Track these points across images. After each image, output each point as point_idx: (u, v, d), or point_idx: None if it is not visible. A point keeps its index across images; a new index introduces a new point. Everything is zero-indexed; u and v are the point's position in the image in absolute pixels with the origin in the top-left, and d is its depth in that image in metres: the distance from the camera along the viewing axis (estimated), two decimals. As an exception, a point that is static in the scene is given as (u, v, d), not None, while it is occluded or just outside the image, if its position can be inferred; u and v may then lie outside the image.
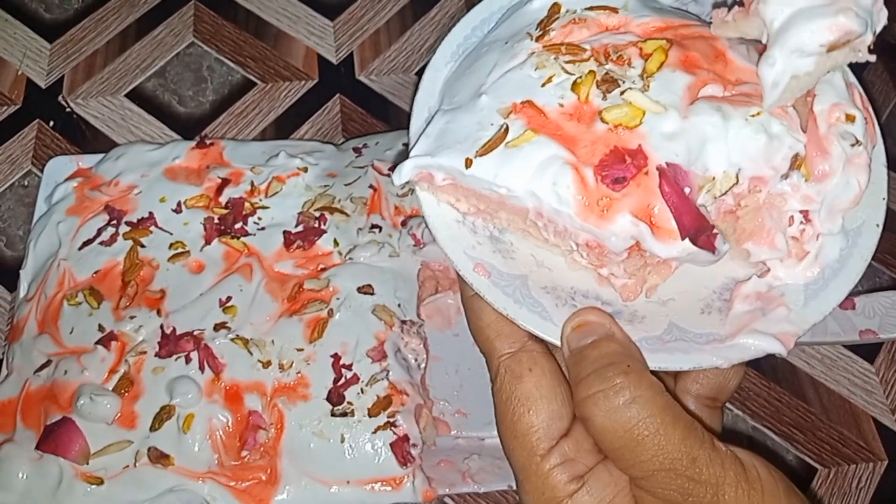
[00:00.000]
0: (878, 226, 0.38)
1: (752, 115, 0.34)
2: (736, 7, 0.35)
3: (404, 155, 0.37)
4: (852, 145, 0.34)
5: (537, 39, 0.37)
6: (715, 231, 0.35)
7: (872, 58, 0.33)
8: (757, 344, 0.35)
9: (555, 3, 0.38)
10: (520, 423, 0.35)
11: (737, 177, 0.34)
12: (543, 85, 0.35)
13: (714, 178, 0.34)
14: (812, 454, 0.60)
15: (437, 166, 0.35)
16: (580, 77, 0.35)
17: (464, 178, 0.35)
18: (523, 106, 0.35)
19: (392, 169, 0.39)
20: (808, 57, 0.32)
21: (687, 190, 0.34)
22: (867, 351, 0.63)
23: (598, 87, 0.35)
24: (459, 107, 0.37)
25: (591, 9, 0.38)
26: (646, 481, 0.33)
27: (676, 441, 0.32)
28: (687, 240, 0.33)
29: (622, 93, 0.34)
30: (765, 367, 0.63)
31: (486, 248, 0.37)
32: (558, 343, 0.35)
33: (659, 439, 0.32)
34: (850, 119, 0.35)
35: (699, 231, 0.34)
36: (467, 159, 0.34)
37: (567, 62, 0.36)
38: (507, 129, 0.35)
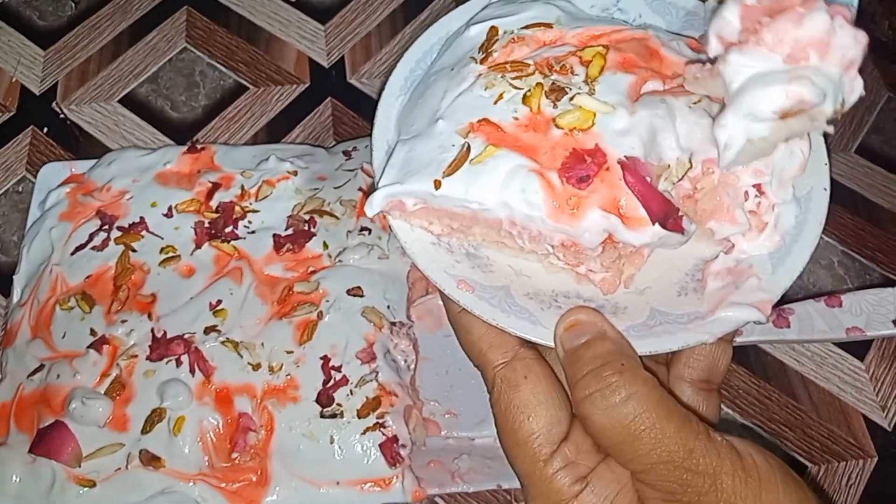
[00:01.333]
0: (825, 189, 0.39)
1: (695, 103, 0.36)
2: (707, 65, 0.35)
3: (372, 189, 0.38)
4: None
5: (482, 62, 0.39)
6: (680, 213, 0.36)
7: (830, 129, 0.33)
8: (736, 315, 0.36)
9: (492, 27, 0.40)
10: (520, 430, 0.35)
11: (690, 161, 0.36)
12: (496, 102, 0.37)
13: (669, 166, 0.36)
14: (802, 451, 0.60)
15: (406, 192, 0.36)
16: (529, 90, 0.37)
17: (435, 200, 0.36)
18: (480, 124, 0.37)
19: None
20: (762, 122, 0.33)
21: (647, 179, 0.35)
22: (857, 348, 0.64)
23: (547, 96, 0.37)
24: (418, 135, 0.38)
25: (526, 27, 0.40)
26: (646, 475, 0.33)
27: (672, 433, 0.33)
28: (657, 224, 0.35)
29: (571, 99, 0.36)
30: (755, 364, 0.63)
31: (464, 265, 0.38)
32: (551, 345, 0.36)
33: (655, 433, 0.32)
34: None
35: (667, 215, 0.35)
36: (436, 181, 0.36)
37: (514, 78, 0.38)
38: (468, 148, 0.36)
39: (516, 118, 0.36)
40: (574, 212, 0.34)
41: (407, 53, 0.43)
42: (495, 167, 0.35)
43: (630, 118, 0.35)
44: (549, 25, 0.40)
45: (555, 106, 0.36)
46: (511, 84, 0.37)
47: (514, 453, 0.36)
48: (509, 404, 0.36)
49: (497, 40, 0.40)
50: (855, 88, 0.33)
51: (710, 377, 0.39)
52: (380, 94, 0.42)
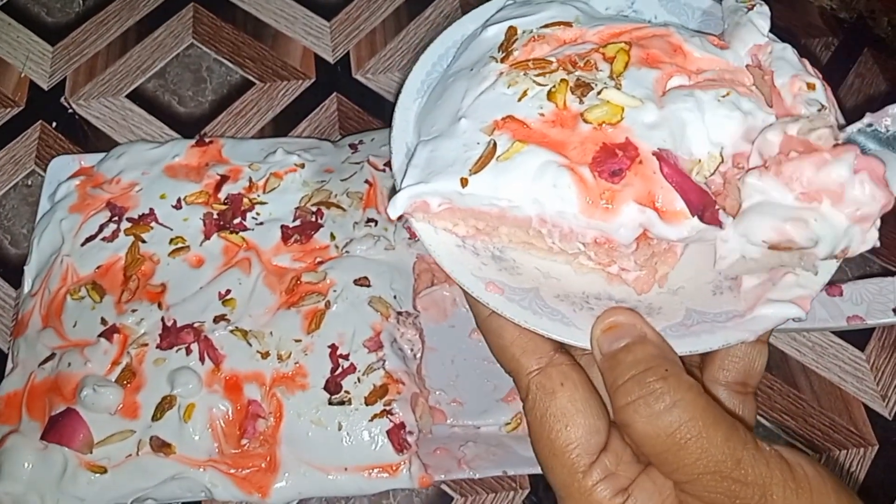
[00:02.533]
0: None
1: (723, 96, 0.35)
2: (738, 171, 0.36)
3: (394, 190, 0.37)
4: (819, 110, 0.35)
5: (502, 61, 0.38)
6: (717, 206, 0.35)
7: (802, 312, 0.34)
8: (776, 311, 0.35)
9: (510, 27, 0.39)
10: (558, 440, 0.34)
11: (721, 156, 0.35)
12: (520, 99, 0.36)
13: (700, 161, 0.35)
14: (804, 440, 0.61)
15: (432, 192, 0.35)
16: (554, 86, 0.36)
17: (462, 199, 0.35)
18: (505, 121, 0.36)
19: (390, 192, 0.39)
20: (754, 246, 0.33)
21: (683, 171, 0.35)
22: (858, 338, 0.64)
23: (572, 92, 0.36)
24: (440, 135, 0.37)
25: (546, 26, 0.39)
26: (691, 486, 0.32)
27: (720, 443, 0.31)
28: (696, 218, 0.34)
29: (598, 93, 0.35)
30: (756, 355, 0.64)
31: (491, 267, 0.37)
32: (587, 347, 0.35)
33: (702, 442, 0.31)
34: (811, 87, 0.36)
35: (705, 207, 0.34)
36: (462, 179, 0.35)
37: (537, 75, 0.37)
38: (495, 145, 0.35)
39: (542, 114, 0.35)
40: (608, 206, 0.34)
41: (422, 57, 0.42)
42: (524, 163, 0.34)
43: (659, 112, 0.35)
44: (568, 24, 0.39)
45: (581, 101, 0.35)
46: (535, 81, 0.36)
47: (551, 464, 0.34)
48: (545, 412, 0.34)
49: (517, 39, 0.39)
50: (867, 240, 0.33)
51: (745, 379, 0.37)
52: (396, 98, 0.41)
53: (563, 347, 0.36)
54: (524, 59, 0.38)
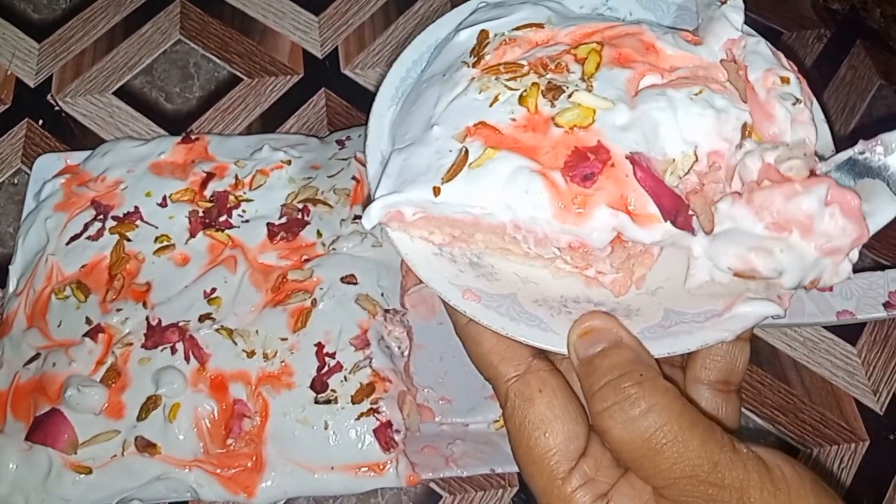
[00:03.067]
0: None
1: (696, 94, 0.35)
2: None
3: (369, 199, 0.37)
4: (793, 104, 0.35)
5: (474, 65, 0.38)
6: (690, 212, 0.35)
7: (780, 309, 0.34)
8: (755, 309, 0.35)
9: (482, 31, 0.39)
10: (536, 447, 0.34)
11: (695, 154, 0.35)
12: (491, 105, 0.36)
13: (674, 160, 0.35)
14: (794, 436, 0.60)
15: (405, 201, 0.35)
16: (525, 90, 0.36)
17: (435, 208, 0.35)
18: (477, 128, 0.35)
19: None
20: (720, 271, 0.34)
21: (656, 175, 0.34)
22: (849, 333, 0.64)
23: (544, 96, 0.35)
24: (413, 142, 0.37)
25: (517, 28, 0.39)
26: (668, 490, 0.32)
27: (696, 446, 0.31)
28: (668, 222, 0.34)
29: (569, 96, 0.35)
30: (747, 350, 0.63)
31: (468, 274, 0.37)
32: (564, 352, 0.35)
33: (678, 446, 0.31)
34: (785, 81, 0.35)
35: (678, 211, 0.34)
36: (435, 188, 0.35)
37: (508, 80, 0.36)
38: (467, 152, 0.35)
39: (514, 119, 0.35)
40: (581, 211, 0.34)
41: (396, 63, 0.42)
42: (496, 169, 0.34)
43: (631, 113, 0.35)
44: (540, 26, 0.39)
45: (552, 105, 0.35)
46: (506, 86, 0.36)
47: (531, 471, 0.34)
48: (524, 420, 0.34)
49: (488, 43, 0.39)
50: (840, 272, 0.33)
51: (728, 378, 0.37)
52: (371, 105, 0.41)
53: (541, 353, 0.36)
54: (496, 64, 0.38)
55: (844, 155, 0.34)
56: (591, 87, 0.35)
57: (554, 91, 0.35)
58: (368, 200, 0.36)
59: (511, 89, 0.36)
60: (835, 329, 0.64)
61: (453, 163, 0.35)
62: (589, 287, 0.37)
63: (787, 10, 0.81)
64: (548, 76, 0.36)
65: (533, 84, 0.36)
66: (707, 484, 0.31)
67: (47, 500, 0.51)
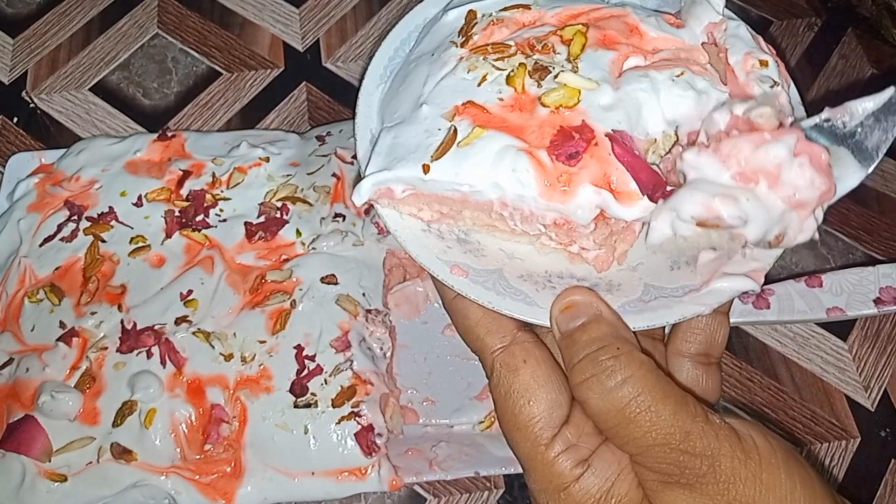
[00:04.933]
0: None
1: (677, 76, 0.36)
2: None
3: (359, 177, 0.38)
4: (771, 87, 0.35)
5: (462, 45, 0.39)
6: (669, 188, 0.36)
7: (756, 285, 0.35)
8: (731, 285, 0.36)
9: (470, 11, 0.40)
10: (521, 414, 0.35)
11: (676, 134, 0.36)
12: (479, 84, 0.37)
13: (656, 140, 0.36)
14: (784, 433, 0.59)
15: (395, 179, 0.36)
16: (512, 70, 0.37)
17: (424, 185, 0.36)
18: (465, 107, 0.36)
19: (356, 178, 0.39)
20: (683, 222, 0.33)
21: (636, 152, 0.35)
22: (840, 328, 0.63)
23: (531, 76, 0.36)
24: (402, 121, 0.38)
25: (505, 9, 0.40)
26: (642, 457, 0.33)
27: (668, 416, 0.32)
28: (646, 198, 0.34)
29: (555, 77, 0.36)
30: (736, 346, 0.62)
31: (456, 250, 0.38)
32: (548, 325, 0.36)
33: (651, 415, 0.32)
34: (764, 64, 0.36)
35: (656, 187, 0.35)
36: (424, 165, 0.35)
37: (496, 60, 0.37)
38: (455, 131, 0.36)
39: (501, 99, 0.36)
40: (566, 189, 0.34)
41: (384, 42, 0.43)
42: (484, 148, 0.35)
43: (614, 93, 0.35)
44: (527, 7, 0.40)
45: (539, 85, 0.36)
46: (494, 65, 0.37)
47: (515, 438, 0.36)
48: (509, 389, 0.36)
49: (476, 23, 0.39)
50: (804, 229, 0.33)
51: (708, 350, 0.39)
52: (360, 85, 0.41)
53: (527, 326, 0.37)
54: (483, 44, 0.38)
55: (810, 121, 0.34)
56: (577, 67, 0.36)
57: (540, 71, 0.36)
58: (358, 178, 0.37)
59: (499, 69, 0.37)
60: (826, 324, 0.63)
61: (442, 141, 0.36)
62: (573, 263, 0.38)
63: (777, -2, 0.79)
64: (534, 57, 0.37)
65: (520, 64, 0.37)
66: (678, 451, 0.32)
67: (21, 510, 0.50)
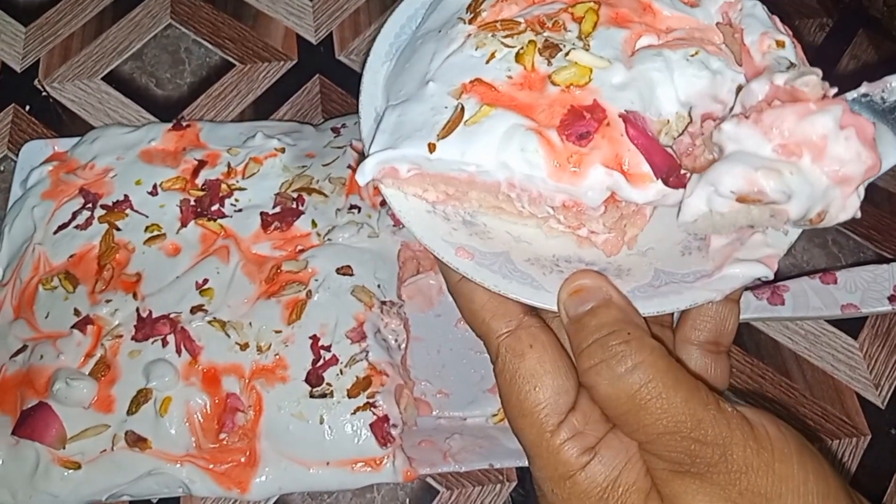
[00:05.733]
0: None
1: (692, 56, 0.35)
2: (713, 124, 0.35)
3: (363, 155, 0.37)
4: (787, 68, 0.34)
5: (470, 22, 0.37)
6: (683, 171, 0.35)
7: (769, 272, 0.34)
8: (743, 271, 0.35)
9: None
10: (527, 400, 0.34)
11: (689, 115, 0.35)
12: (488, 62, 0.36)
13: (669, 121, 0.35)
14: (796, 430, 0.59)
15: (400, 157, 0.35)
16: (522, 48, 0.36)
17: (430, 164, 0.35)
18: (473, 84, 0.35)
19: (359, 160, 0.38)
20: (722, 197, 0.32)
21: (649, 133, 0.34)
22: (851, 326, 0.63)
23: (540, 54, 0.35)
24: (408, 99, 0.36)
25: None
26: (652, 445, 0.32)
27: (679, 403, 0.31)
28: (660, 181, 0.34)
29: (566, 55, 0.35)
30: (748, 343, 0.63)
31: (462, 232, 0.37)
32: (555, 310, 0.35)
33: (662, 402, 0.31)
34: (780, 45, 0.35)
35: (670, 170, 0.34)
36: (430, 144, 0.34)
37: (505, 37, 0.36)
38: (462, 109, 0.35)
39: (510, 77, 0.35)
40: (576, 170, 0.33)
41: (390, 19, 0.42)
42: (492, 127, 0.34)
43: (627, 73, 0.34)
44: None
45: (549, 63, 0.35)
46: (502, 42, 0.36)
47: (520, 424, 0.35)
48: (514, 374, 0.35)
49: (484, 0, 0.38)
50: (847, 207, 0.31)
51: (718, 338, 0.38)
52: (364, 61, 0.41)
53: (533, 311, 0.36)
54: (492, 21, 0.37)
55: (850, 95, 0.32)
56: (588, 46, 0.35)
57: (551, 49, 0.35)
58: (362, 157, 0.36)
59: (508, 46, 0.36)
60: (836, 322, 0.63)
61: (449, 119, 0.35)
62: (581, 247, 0.38)
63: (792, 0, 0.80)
64: (545, 34, 0.36)
65: (530, 42, 0.36)
66: (690, 440, 0.31)
67: (35, 497, 0.50)
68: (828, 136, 0.30)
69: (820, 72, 0.32)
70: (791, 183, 0.30)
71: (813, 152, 0.30)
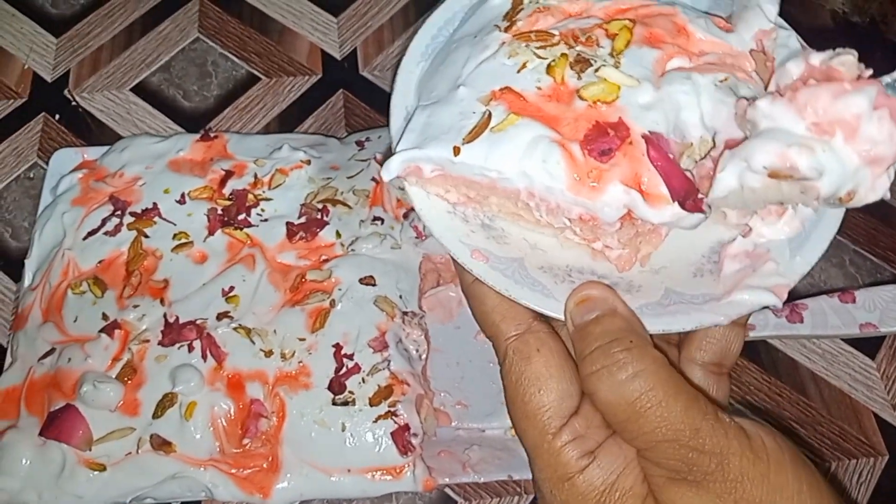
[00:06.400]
0: None
1: (721, 81, 0.35)
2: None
3: (390, 152, 0.37)
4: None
5: (506, 30, 0.38)
6: (700, 196, 0.35)
7: (778, 301, 0.34)
8: (752, 298, 0.35)
9: None
10: (531, 403, 0.35)
11: (713, 141, 0.35)
12: (519, 71, 0.36)
13: (692, 144, 0.35)
14: (813, 448, 0.60)
15: (425, 158, 0.36)
16: (553, 60, 0.36)
17: (453, 167, 0.36)
18: (502, 92, 0.36)
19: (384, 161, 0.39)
20: (754, 173, 0.32)
21: (671, 156, 0.35)
22: (868, 346, 0.64)
23: (571, 67, 0.36)
24: (438, 101, 0.37)
25: None
26: (650, 452, 0.33)
27: (679, 412, 0.32)
28: (676, 204, 0.34)
29: (596, 70, 0.35)
30: (765, 361, 0.63)
31: (479, 235, 0.37)
32: (562, 318, 0.36)
33: (661, 411, 0.32)
34: None
35: (687, 194, 0.35)
36: (455, 147, 0.35)
37: (538, 48, 0.37)
38: (490, 116, 0.35)
39: (539, 88, 0.36)
40: (595, 185, 0.34)
41: (428, 20, 0.42)
42: (516, 136, 0.34)
43: (655, 93, 0.35)
44: None
45: (579, 77, 0.36)
46: (535, 53, 0.37)
47: (523, 426, 0.35)
48: (520, 376, 0.35)
49: (522, 9, 0.39)
50: (877, 188, 0.31)
51: (721, 360, 0.38)
52: (400, 60, 0.41)
53: (542, 317, 0.37)
54: (527, 31, 0.38)
55: (886, 78, 0.32)
56: (619, 63, 0.36)
57: (582, 64, 0.36)
58: (389, 154, 0.37)
59: (540, 57, 0.36)
60: (854, 342, 0.63)
61: (476, 125, 0.35)
62: (595, 259, 0.38)
63: (805, 20, 0.81)
64: (577, 48, 0.36)
65: (562, 55, 0.36)
66: (688, 448, 0.32)
67: (60, 497, 0.51)
68: (861, 116, 0.30)
69: (856, 53, 0.33)
70: (823, 160, 0.31)
71: (846, 131, 0.30)
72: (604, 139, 0.34)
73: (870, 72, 0.32)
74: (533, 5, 0.39)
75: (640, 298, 0.36)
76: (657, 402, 0.32)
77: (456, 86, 0.37)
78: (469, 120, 0.35)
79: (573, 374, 0.35)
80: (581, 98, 0.35)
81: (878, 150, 0.31)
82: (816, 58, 0.33)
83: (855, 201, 0.32)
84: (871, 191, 0.31)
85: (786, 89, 0.33)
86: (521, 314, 0.37)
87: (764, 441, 0.33)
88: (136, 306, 0.56)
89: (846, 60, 0.32)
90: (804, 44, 0.38)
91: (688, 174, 0.35)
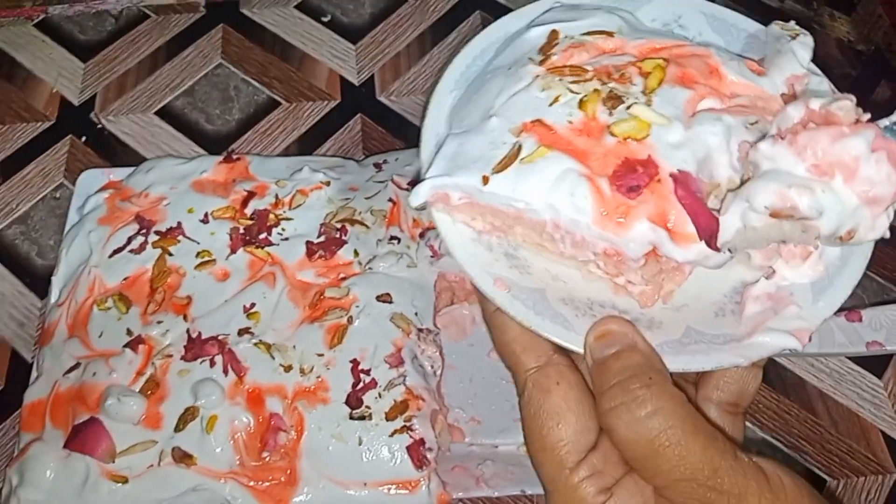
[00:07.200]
0: None
1: (751, 124, 0.36)
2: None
3: (419, 178, 0.38)
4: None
5: (540, 63, 0.39)
6: None
7: (799, 345, 0.34)
8: (774, 341, 0.35)
9: (553, 30, 0.40)
10: (549, 436, 0.35)
11: (741, 181, 0.35)
12: (551, 104, 0.37)
13: (720, 185, 0.36)
14: (821, 466, 0.61)
15: (453, 185, 0.36)
16: (586, 95, 0.37)
17: (481, 196, 0.36)
18: (534, 125, 0.36)
19: (411, 185, 0.40)
20: (755, 212, 0.33)
21: (698, 195, 0.35)
22: (876, 365, 0.64)
23: (603, 103, 0.36)
24: (470, 130, 0.38)
25: (588, 34, 0.40)
26: (668, 491, 0.33)
27: (697, 451, 0.32)
28: (703, 243, 0.34)
29: (628, 108, 0.36)
30: (774, 380, 0.64)
31: (502, 264, 0.38)
32: (581, 351, 0.36)
33: (680, 450, 0.32)
34: None
35: (714, 234, 0.35)
36: (484, 176, 0.35)
37: (572, 82, 0.37)
38: (520, 147, 0.36)
39: (571, 122, 0.36)
40: (621, 221, 0.34)
41: (463, 50, 0.43)
42: (545, 168, 0.35)
43: (685, 132, 0.35)
44: (610, 34, 0.40)
45: (610, 113, 0.36)
46: (568, 88, 0.37)
47: (541, 459, 0.36)
48: (539, 409, 0.35)
49: (557, 44, 0.39)
50: (876, 227, 0.32)
51: (738, 400, 0.39)
52: (433, 88, 0.42)
53: (562, 349, 0.37)
54: (561, 65, 0.39)
55: (884, 122, 0.34)
56: (651, 101, 0.36)
57: (614, 100, 0.36)
58: (418, 180, 0.37)
59: (573, 92, 0.37)
60: (861, 361, 0.64)
61: (505, 155, 0.36)
62: (617, 294, 0.38)
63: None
64: (610, 85, 0.37)
65: (594, 90, 0.37)
66: (706, 488, 0.32)
67: (83, 508, 0.52)
68: (859, 158, 0.31)
69: (854, 98, 0.34)
70: (823, 200, 0.32)
71: (845, 173, 0.32)
72: (632, 176, 0.35)
73: (867, 116, 0.33)
74: (568, 40, 0.39)
75: (660, 335, 0.36)
76: (676, 441, 0.32)
77: (488, 116, 0.37)
78: (499, 150, 0.36)
79: (592, 408, 0.35)
80: (612, 134, 0.36)
81: (877, 191, 0.32)
82: (816, 102, 0.34)
83: (855, 240, 0.33)
84: (871, 230, 0.32)
85: (786, 132, 0.34)
86: (542, 346, 0.37)
87: (783, 481, 0.33)
88: (159, 322, 0.57)
89: (844, 105, 0.33)
90: (835, 90, 0.38)
91: (715, 213, 0.35)
